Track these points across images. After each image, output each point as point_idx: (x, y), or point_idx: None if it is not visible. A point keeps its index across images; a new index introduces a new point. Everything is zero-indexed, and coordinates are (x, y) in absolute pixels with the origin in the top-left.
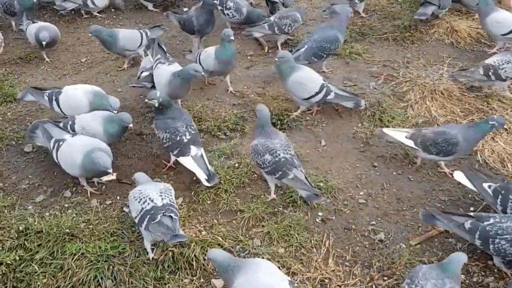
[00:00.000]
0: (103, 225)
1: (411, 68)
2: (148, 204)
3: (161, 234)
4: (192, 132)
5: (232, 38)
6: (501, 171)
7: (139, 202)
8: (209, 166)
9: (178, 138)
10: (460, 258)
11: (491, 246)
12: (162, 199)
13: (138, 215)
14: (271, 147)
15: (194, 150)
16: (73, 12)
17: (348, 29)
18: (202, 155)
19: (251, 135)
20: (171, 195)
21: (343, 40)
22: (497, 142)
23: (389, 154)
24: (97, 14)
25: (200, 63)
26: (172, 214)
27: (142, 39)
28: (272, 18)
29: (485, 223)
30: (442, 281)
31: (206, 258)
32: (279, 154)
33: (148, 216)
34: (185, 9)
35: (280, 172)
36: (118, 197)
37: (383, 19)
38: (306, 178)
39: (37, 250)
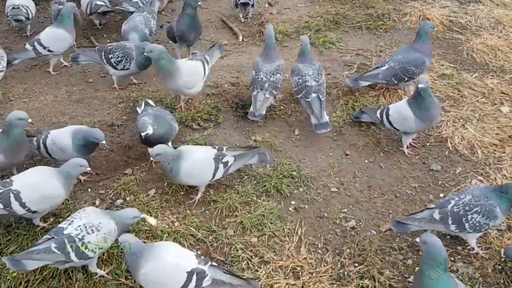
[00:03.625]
0: None
1: (383, 57)
2: None
3: None
4: None
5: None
6: (471, 158)
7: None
8: None
9: None
10: None
11: (466, 225)
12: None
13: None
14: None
15: None
16: None
17: (322, 18)
18: None
19: (225, 125)
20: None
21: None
22: (467, 129)
23: (361, 143)
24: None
25: None
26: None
27: None
28: None
29: (449, 206)
30: None
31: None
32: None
33: None
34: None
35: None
36: (89, 189)
37: (357, 8)
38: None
39: (7, 245)
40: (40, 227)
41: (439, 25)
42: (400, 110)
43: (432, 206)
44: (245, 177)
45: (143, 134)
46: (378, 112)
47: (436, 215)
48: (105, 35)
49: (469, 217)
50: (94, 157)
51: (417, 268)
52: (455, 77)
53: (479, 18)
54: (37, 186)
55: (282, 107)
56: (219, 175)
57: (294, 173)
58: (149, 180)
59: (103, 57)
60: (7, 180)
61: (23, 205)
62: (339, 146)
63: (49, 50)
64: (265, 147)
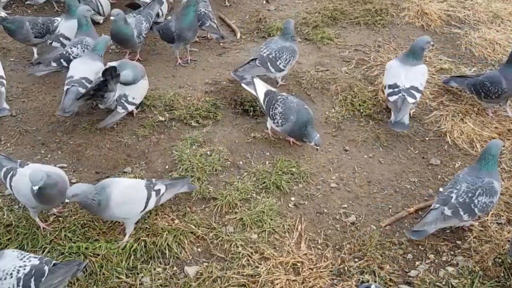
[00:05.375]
0: (73, 217)
1: (382, 52)
2: None
3: None
4: None
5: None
6: (470, 152)
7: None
8: None
9: None
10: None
11: (476, 210)
12: None
13: None
14: None
15: None
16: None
17: (320, 14)
18: None
19: (224, 123)
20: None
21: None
22: (466, 123)
23: (361, 138)
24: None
25: None
26: None
27: None
28: None
29: (454, 199)
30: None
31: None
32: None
33: None
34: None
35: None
36: None
37: (355, 4)
38: (217, 27)
39: (7, 244)
40: (42, 227)
41: (437, 20)
42: None
43: (437, 206)
44: (245, 174)
45: (317, 148)
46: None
47: (448, 212)
48: (103, 34)
49: (476, 201)
50: (93, 156)
51: (417, 263)
52: (453, 71)
53: (477, 12)
54: (20, 178)
55: None
56: (151, 205)
57: (294, 169)
58: (148, 178)
59: (270, 66)
60: (28, 163)
61: (10, 187)
62: (338, 142)
63: None
64: (264, 143)
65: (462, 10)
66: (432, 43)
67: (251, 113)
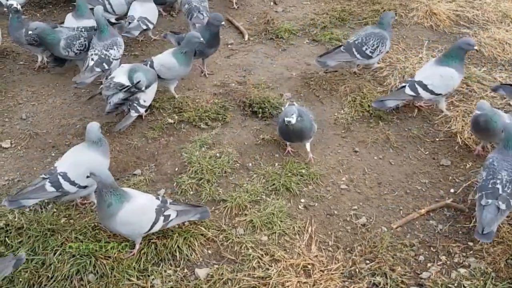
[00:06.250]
0: (84, 219)
1: (390, 53)
2: None
3: None
4: None
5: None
6: (480, 152)
7: None
8: None
9: None
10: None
11: None
12: None
13: None
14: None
15: None
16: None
17: (328, 15)
18: None
19: (233, 124)
20: None
21: None
22: None
23: (370, 139)
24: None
25: None
26: None
27: None
28: None
29: (501, 191)
30: None
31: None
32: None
33: None
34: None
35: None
36: None
37: (363, 4)
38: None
39: (18, 247)
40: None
41: (446, 20)
42: None
43: (489, 201)
44: (254, 175)
45: (286, 120)
46: None
47: (503, 206)
48: None
49: None
50: None
51: (429, 264)
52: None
53: (486, 12)
54: (78, 163)
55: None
56: (156, 228)
57: (303, 171)
58: (158, 180)
59: (355, 52)
60: (51, 168)
61: (73, 183)
62: (347, 143)
63: None
64: (273, 145)
65: (471, 10)
66: (476, 48)
67: (259, 115)
